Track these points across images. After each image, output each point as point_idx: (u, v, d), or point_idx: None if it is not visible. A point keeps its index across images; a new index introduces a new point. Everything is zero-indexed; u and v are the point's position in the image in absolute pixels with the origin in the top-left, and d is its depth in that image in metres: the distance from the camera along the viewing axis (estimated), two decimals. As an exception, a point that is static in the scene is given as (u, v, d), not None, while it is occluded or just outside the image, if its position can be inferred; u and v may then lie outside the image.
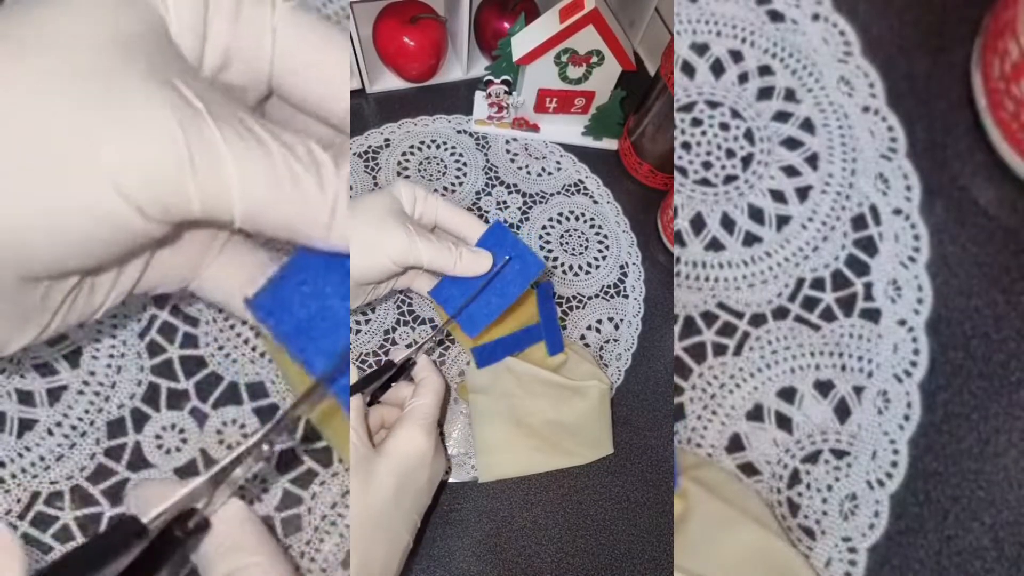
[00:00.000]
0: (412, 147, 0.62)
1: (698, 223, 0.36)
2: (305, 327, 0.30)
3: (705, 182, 0.37)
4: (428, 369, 0.39)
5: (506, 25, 0.62)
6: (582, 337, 0.53)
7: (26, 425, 0.39)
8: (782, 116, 0.37)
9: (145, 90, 0.18)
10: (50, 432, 0.39)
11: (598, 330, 0.54)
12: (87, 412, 0.40)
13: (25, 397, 0.39)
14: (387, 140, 0.62)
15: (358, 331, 0.51)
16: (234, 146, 0.20)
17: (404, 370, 0.41)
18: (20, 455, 0.38)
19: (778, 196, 0.36)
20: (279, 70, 0.25)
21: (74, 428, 0.39)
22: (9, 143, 0.17)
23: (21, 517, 0.38)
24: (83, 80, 0.18)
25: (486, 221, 0.45)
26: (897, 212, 0.36)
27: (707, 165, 0.37)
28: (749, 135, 0.37)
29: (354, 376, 0.36)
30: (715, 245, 0.36)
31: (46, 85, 0.17)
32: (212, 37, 0.23)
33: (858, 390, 0.35)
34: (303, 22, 0.24)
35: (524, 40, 0.55)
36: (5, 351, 0.24)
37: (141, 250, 0.24)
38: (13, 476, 0.38)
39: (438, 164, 0.61)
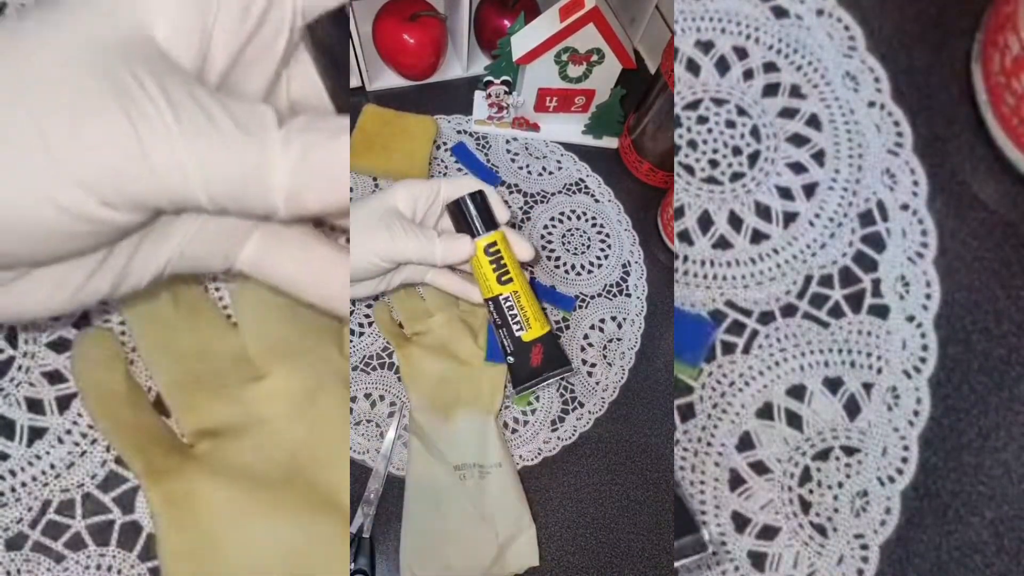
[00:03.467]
0: (413, 147, 0.61)
1: (705, 221, 0.36)
2: None
3: (712, 180, 0.37)
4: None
5: (506, 23, 0.62)
6: (585, 336, 0.53)
7: (36, 433, 0.39)
8: (788, 112, 0.37)
9: (97, 89, 0.20)
10: (60, 440, 0.39)
11: (601, 329, 0.54)
12: (96, 419, 0.40)
13: (34, 405, 0.39)
14: (388, 140, 0.61)
15: (362, 333, 0.51)
16: (186, 128, 0.21)
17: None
18: (30, 463, 0.38)
19: (785, 193, 0.36)
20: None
21: (84, 436, 0.39)
22: None
23: (32, 526, 0.38)
24: (43, 86, 0.20)
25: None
26: (904, 207, 0.36)
27: (714, 163, 0.37)
28: (755, 132, 0.37)
29: None
30: (722, 243, 0.36)
31: (7, 94, 0.19)
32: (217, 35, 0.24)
33: (867, 387, 0.35)
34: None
35: (524, 39, 0.55)
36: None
37: (120, 236, 0.24)
38: (24, 484, 0.38)
39: (438, 164, 0.61)
